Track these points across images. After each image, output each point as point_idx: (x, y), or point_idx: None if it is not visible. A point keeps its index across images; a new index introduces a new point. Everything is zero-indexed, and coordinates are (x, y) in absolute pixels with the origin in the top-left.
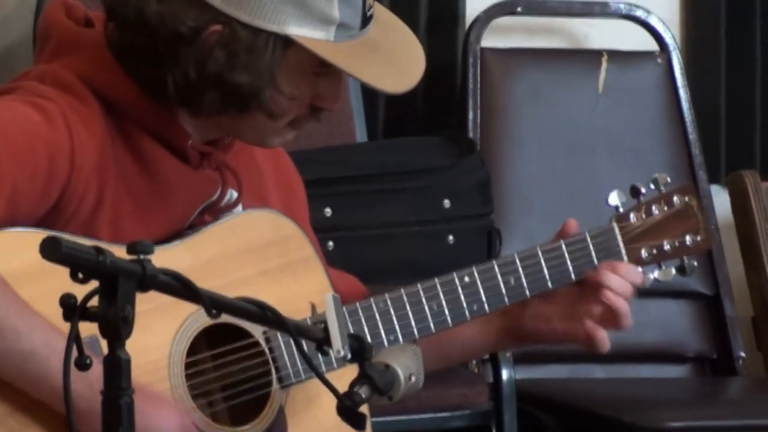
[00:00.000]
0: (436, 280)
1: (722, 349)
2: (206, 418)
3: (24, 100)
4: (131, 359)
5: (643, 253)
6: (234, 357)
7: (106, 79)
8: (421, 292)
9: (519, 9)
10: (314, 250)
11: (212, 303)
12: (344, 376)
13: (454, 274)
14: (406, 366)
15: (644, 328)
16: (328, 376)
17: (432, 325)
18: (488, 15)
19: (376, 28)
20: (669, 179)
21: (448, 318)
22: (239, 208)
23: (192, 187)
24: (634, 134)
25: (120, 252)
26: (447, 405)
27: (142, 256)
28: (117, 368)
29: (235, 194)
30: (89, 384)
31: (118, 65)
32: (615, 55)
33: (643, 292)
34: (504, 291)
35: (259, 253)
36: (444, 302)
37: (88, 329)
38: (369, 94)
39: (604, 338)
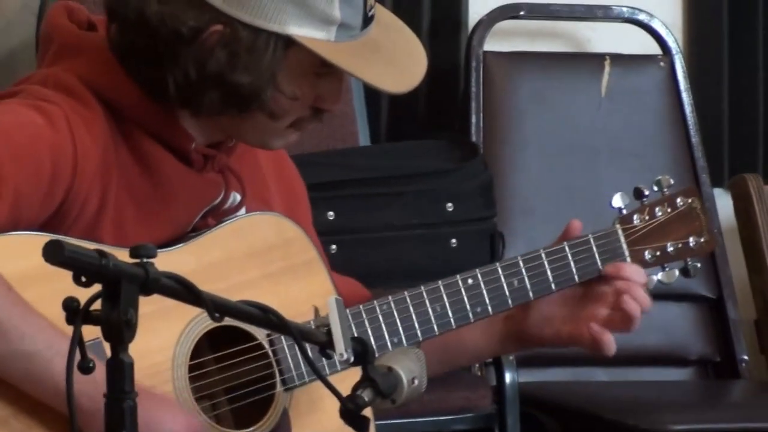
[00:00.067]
0: (440, 282)
1: (725, 352)
2: (210, 420)
3: (27, 103)
4: (134, 362)
5: (647, 254)
6: (237, 359)
7: (109, 82)
8: (425, 295)
9: (522, 13)
10: (317, 253)
11: (215, 306)
12: (347, 379)
13: (458, 277)
14: (409, 369)
15: (647, 331)
16: (332, 378)
17: (435, 328)
18: (491, 18)
19: (378, 28)
20: (672, 181)
21: (452, 320)
22: (242, 211)
23: (195, 190)
24: (636, 138)
25: (123, 255)
26: (450, 408)
27: (145, 260)
28: (120, 372)
29: (238, 197)
30: (93, 383)
31: (120, 68)
32: (618, 59)
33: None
34: (507, 293)
35: (263, 256)
36: (447, 304)
37: (92, 333)
38: (372, 96)
39: (610, 341)
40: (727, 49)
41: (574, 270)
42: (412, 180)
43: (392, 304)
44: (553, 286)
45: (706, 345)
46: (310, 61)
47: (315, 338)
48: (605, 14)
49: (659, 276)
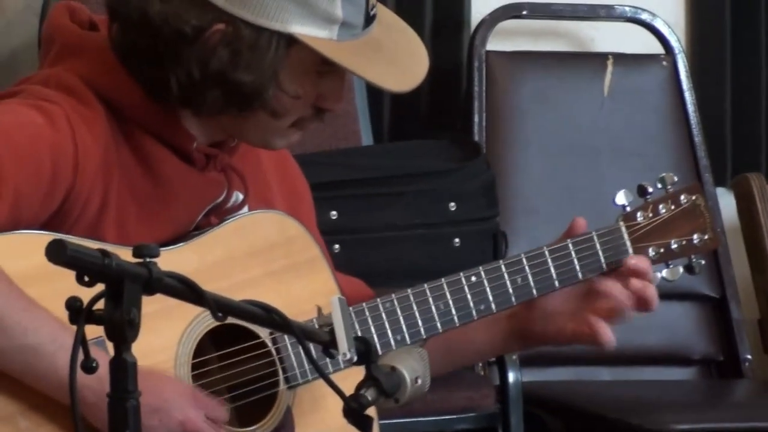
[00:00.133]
0: (443, 280)
1: (728, 352)
2: None
3: (28, 103)
4: (137, 361)
5: (651, 252)
6: (241, 358)
7: (110, 82)
8: (428, 292)
9: (524, 12)
10: (320, 251)
11: (218, 306)
12: (349, 377)
13: (461, 275)
14: (412, 368)
15: (650, 330)
16: (334, 376)
17: (439, 325)
18: (494, 18)
19: (379, 27)
20: (676, 178)
21: (455, 318)
22: (245, 210)
23: (197, 189)
24: (639, 137)
25: (125, 255)
26: (453, 407)
27: (147, 259)
28: (123, 371)
29: (240, 196)
30: (97, 376)
31: (121, 67)
32: (620, 58)
33: None
34: (511, 290)
35: (265, 255)
36: (451, 302)
37: (95, 331)
38: (374, 96)
39: (607, 332)
40: (730, 48)
41: (577, 267)
42: (414, 180)
43: (395, 302)
44: (556, 283)
45: (709, 344)
46: (312, 60)
47: (318, 338)
48: (608, 14)
49: (663, 273)
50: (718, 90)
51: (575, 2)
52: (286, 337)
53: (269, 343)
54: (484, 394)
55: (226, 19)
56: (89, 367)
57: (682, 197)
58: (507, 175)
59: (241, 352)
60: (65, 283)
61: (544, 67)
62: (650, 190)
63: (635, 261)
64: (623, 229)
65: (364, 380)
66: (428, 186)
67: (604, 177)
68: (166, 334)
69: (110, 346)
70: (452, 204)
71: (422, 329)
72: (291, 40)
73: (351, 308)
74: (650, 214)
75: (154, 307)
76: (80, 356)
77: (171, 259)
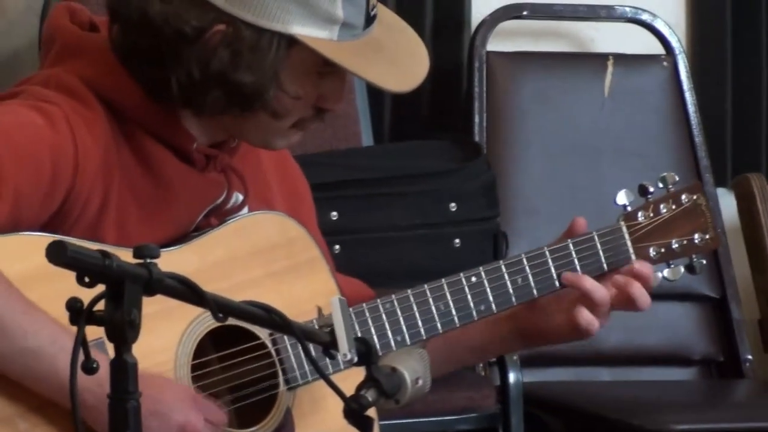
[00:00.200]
0: (443, 280)
1: (729, 352)
2: None
3: (28, 104)
4: (137, 362)
5: (652, 251)
6: (241, 359)
7: (110, 83)
8: (428, 293)
9: (525, 13)
10: (320, 252)
11: (219, 307)
12: (349, 378)
13: (461, 275)
14: (413, 369)
15: (650, 330)
16: (334, 377)
17: (439, 326)
18: (494, 18)
19: (380, 28)
20: (677, 178)
21: (455, 318)
22: (245, 210)
23: (197, 189)
24: (640, 137)
25: (125, 256)
26: (454, 408)
27: (148, 260)
28: (123, 372)
29: (241, 197)
30: (97, 378)
31: (122, 68)
32: (621, 59)
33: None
34: (511, 291)
35: (266, 255)
36: (451, 302)
37: (94, 333)
38: (375, 97)
39: (585, 315)
40: (731, 48)
41: (578, 267)
42: (415, 180)
43: (396, 303)
44: (557, 283)
45: (709, 345)
46: (313, 60)
47: (318, 338)
48: (608, 14)
49: (665, 273)
50: (719, 90)
51: (576, 3)
52: (286, 338)
53: (269, 344)
54: (484, 394)
55: (227, 19)
56: (90, 368)
57: (683, 197)
58: (508, 176)
59: (241, 353)
60: (65, 284)
61: (544, 68)
62: (651, 189)
63: (639, 266)
64: (624, 228)
65: (365, 381)
66: (429, 186)
67: (604, 177)
68: (166, 335)
69: (110, 347)
70: (453, 204)
71: (422, 330)
72: (291, 41)
73: (351, 309)
74: (651, 214)
75: (154, 307)
76: (81, 357)
77: (171, 260)
